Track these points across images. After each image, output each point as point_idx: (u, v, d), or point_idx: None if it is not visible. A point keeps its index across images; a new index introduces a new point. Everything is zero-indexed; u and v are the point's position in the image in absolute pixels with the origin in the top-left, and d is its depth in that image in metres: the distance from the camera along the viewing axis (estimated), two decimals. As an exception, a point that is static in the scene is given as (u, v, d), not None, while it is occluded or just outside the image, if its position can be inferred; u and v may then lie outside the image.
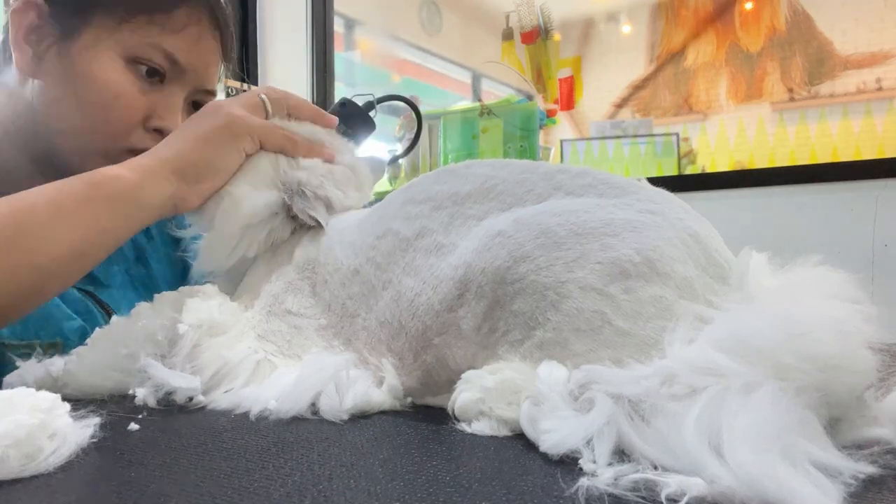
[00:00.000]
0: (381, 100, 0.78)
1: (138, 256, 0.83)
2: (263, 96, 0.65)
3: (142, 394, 0.48)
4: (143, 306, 0.55)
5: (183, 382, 0.49)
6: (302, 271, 0.59)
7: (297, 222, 0.62)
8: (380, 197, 0.62)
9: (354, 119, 0.75)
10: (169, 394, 0.49)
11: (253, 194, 0.62)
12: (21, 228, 0.53)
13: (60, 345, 0.67)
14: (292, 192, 0.62)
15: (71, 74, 0.69)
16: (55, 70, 0.70)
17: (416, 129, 0.89)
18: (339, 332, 0.54)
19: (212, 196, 0.62)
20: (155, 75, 0.71)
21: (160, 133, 0.72)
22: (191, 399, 0.49)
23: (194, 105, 0.76)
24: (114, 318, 0.55)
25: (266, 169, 0.63)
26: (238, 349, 0.52)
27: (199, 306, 0.54)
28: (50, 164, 0.72)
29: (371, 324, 0.51)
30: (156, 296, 0.56)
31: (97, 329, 0.54)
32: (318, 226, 0.61)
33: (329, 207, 0.62)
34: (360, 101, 0.76)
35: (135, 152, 0.71)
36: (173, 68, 0.72)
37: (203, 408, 0.49)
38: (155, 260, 0.83)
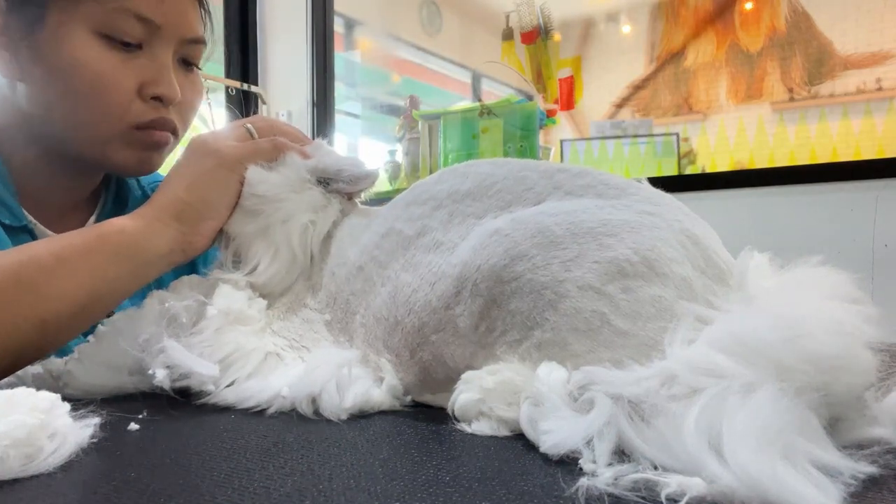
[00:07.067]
0: None
1: None
2: (249, 126, 0.64)
3: (161, 375, 0.48)
4: (158, 292, 0.55)
5: (203, 369, 0.49)
6: (317, 264, 0.59)
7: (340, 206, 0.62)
8: (381, 198, 0.62)
9: None
10: (185, 377, 0.49)
11: (292, 205, 0.60)
12: (23, 282, 0.51)
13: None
14: (325, 179, 0.62)
15: (49, 69, 0.66)
16: (34, 70, 0.66)
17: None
18: (344, 327, 0.54)
19: (257, 234, 0.60)
20: (132, 44, 0.66)
21: (160, 100, 0.68)
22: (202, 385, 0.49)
23: (184, 62, 0.72)
24: (118, 312, 0.55)
25: (284, 178, 0.61)
26: (252, 340, 0.53)
27: (232, 294, 0.55)
28: (70, 160, 0.71)
29: (369, 320, 0.52)
30: (173, 282, 0.57)
31: (99, 326, 0.54)
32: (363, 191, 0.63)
33: (355, 166, 0.62)
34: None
35: (142, 127, 0.68)
36: (147, 29, 0.66)
37: (204, 405, 0.49)
38: None
